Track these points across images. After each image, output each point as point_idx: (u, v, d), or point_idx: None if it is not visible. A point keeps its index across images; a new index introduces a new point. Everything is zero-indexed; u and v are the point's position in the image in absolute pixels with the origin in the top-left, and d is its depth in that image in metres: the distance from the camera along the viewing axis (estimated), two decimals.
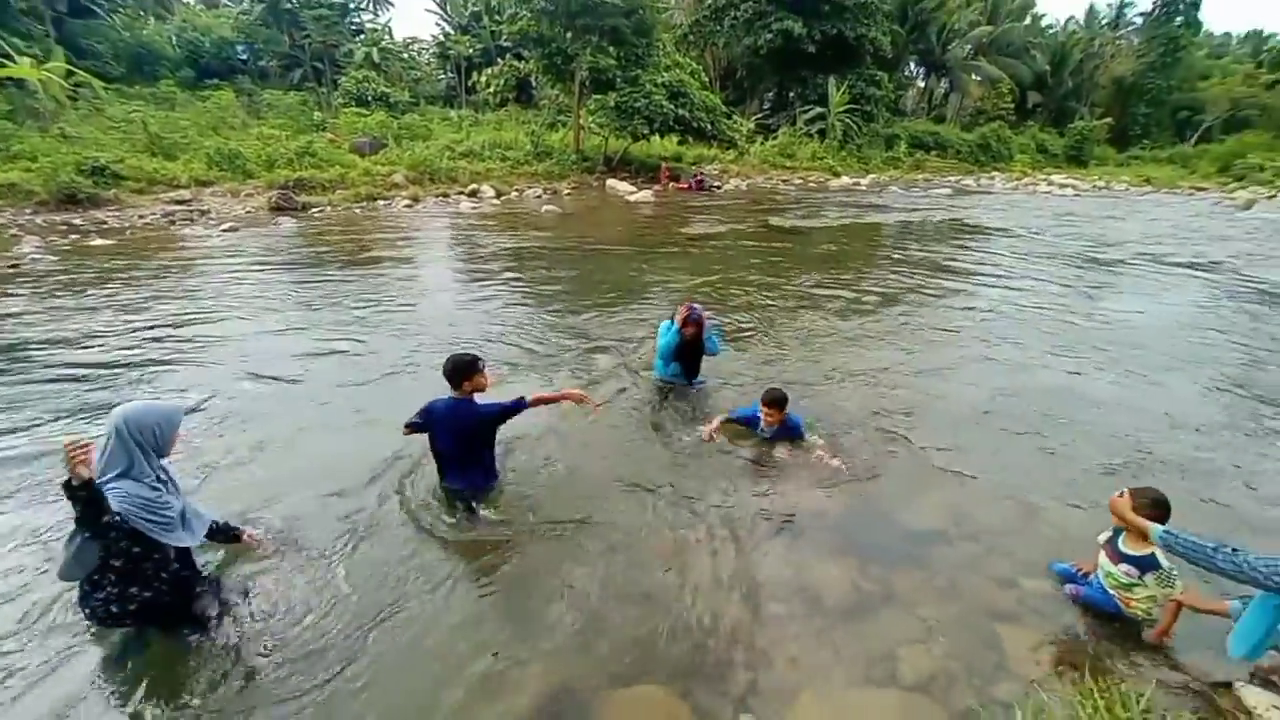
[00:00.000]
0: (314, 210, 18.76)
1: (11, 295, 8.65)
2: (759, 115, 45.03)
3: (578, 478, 4.20)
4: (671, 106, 26.86)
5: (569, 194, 24.39)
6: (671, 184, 27.63)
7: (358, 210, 19.21)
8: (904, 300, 9.33)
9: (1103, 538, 3.38)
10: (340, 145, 25.97)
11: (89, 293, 8.93)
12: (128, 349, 6.73)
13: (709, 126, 28.48)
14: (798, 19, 38.34)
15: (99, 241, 13.42)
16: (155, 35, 40.76)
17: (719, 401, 5.39)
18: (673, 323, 5.37)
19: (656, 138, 30.39)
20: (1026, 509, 4.16)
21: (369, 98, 36.49)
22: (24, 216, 15.90)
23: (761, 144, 39.20)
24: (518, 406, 3.85)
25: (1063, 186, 33.35)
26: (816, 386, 5.90)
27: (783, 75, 45.22)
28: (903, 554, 3.71)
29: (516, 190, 23.98)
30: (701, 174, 28.48)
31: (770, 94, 50.79)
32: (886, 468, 4.48)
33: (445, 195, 22.18)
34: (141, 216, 16.78)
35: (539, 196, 23.29)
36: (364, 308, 8.26)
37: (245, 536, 3.62)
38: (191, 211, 17.69)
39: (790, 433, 4.58)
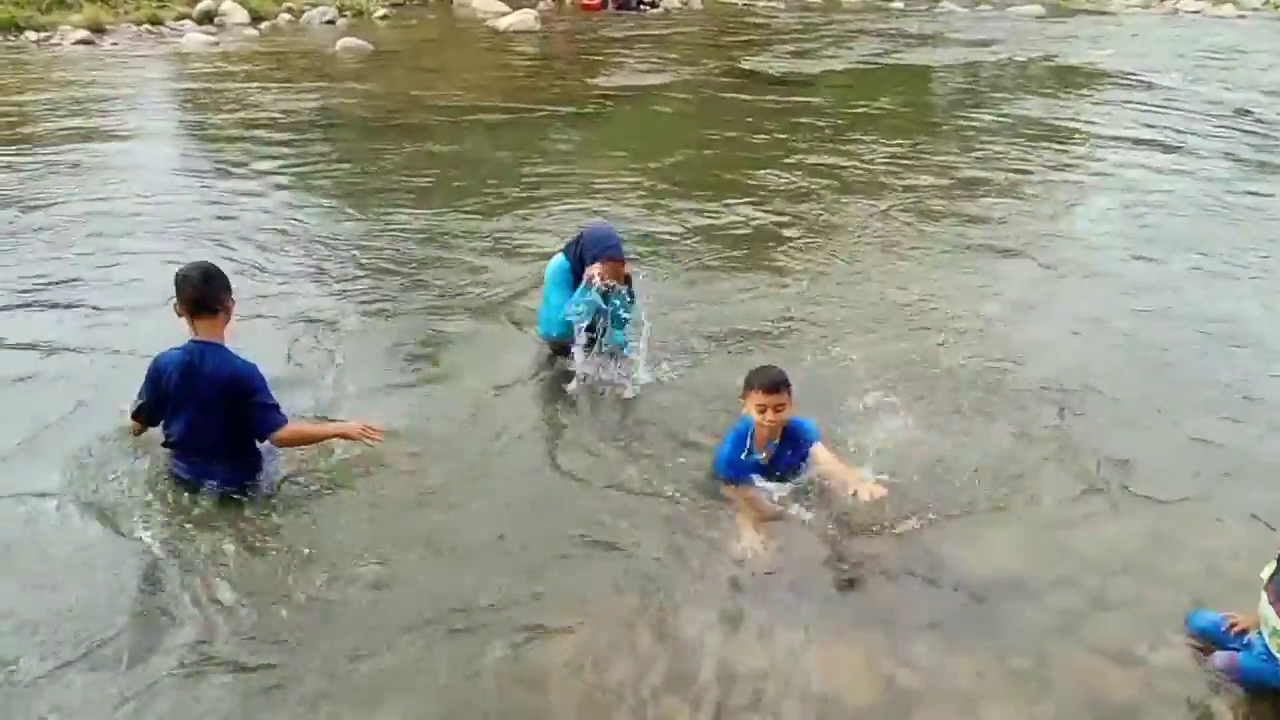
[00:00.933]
0: None
1: None
2: None
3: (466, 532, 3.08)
4: None
5: (385, 16, 18.27)
6: (572, 0, 20.95)
7: None
8: (974, 193, 7.24)
9: (1266, 572, 2.54)
10: None
11: None
12: None
13: None
14: None
15: None
16: None
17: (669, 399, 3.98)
18: (565, 258, 4.06)
19: None
20: (1157, 523, 3.26)
21: None
22: None
23: None
24: (274, 423, 3.03)
25: (1220, 3, 25.25)
26: (826, 341, 4.55)
27: None
28: (960, 619, 2.84)
29: (289, 9, 17.38)
30: None
31: None
32: (939, 477, 3.38)
33: (155, 22, 15.53)
34: None
35: (330, 22, 17.12)
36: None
37: None
38: None
39: (797, 448, 3.27)
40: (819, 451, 3.21)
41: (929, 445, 3.59)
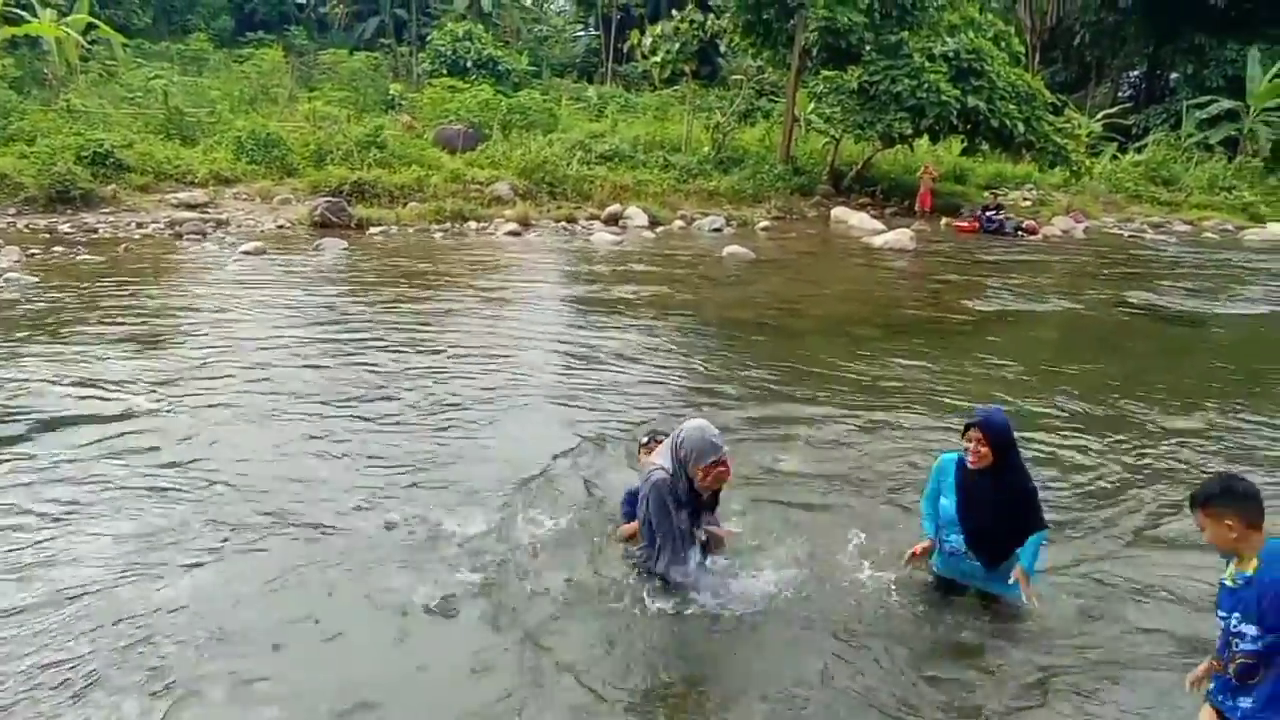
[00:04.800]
0: (373, 230, 18.16)
1: None
2: (1110, 111, 37.98)
3: None
4: (956, 92, 22.64)
5: (767, 228, 21.97)
6: (945, 220, 24.30)
7: (437, 234, 18.39)
8: None
9: None
10: (421, 134, 25.14)
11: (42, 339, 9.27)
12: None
13: (1021, 128, 23.69)
14: None
15: (86, 257, 13.98)
16: None
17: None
18: (957, 454, 4.67)
19: (924, 141, 26.59)
20: None
21: (468, 64, 34.66)
22: (6, 218, 16.88)
23: (1114, 160, 32.90)
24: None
25: None
26: None
27: (1158, 42, 38.61)
28: None
29: (683, 217, 21.90)
30: (998, 206, 24.35)
31: (1133, 74, 44.38)
32: None
33: (570, 220, 20.56)
34: (141, 225, 17.14)
35: (718, 230, 21.08)
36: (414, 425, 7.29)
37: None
38: (206, 221, 17.71)
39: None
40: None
41: None
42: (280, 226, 17.92)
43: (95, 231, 16.59)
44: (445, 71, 32.60)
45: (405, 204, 19.74)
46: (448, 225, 19.12)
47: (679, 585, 4.58)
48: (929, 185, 25.26)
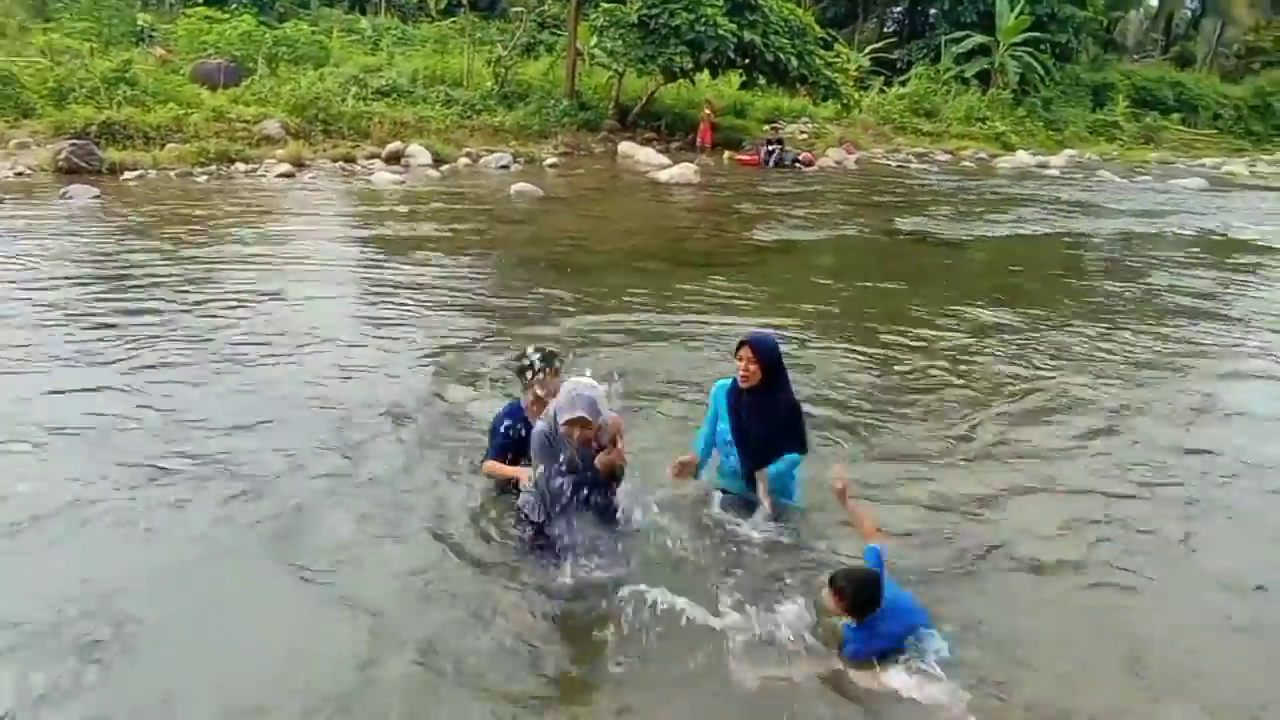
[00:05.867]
0: (128, 175, 16.93)
1: None
2: (876, 46, 40.04)
3: None
4: (733, 27, 23.42)
5: (555, 164, 22.21)
6: (728, 154, 25.20)
7: (201, 178, 17.40)
8: (1135, 364, 8.33)
9: None
10: (177, 70, 23.51)
11: None
12: None
13: (794, 62, 24.92)
14: None
15: None
16: None
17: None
18: (731, 379, 4.93)
19: (705, 76, 27.20)
20: None
21: None
22: None
23: (881, 93, 34.87)
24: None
25: None
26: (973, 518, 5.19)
27: None
28: None
29: (468, 155, 21.73)
30: (779, 139, 25.24)
31: (897, 10, 46.38)
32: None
33: (348, 159, 19.93)
34: None
35: (505, 167, 21.11)
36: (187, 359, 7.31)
37: None
38: None
39: None
40: None
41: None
42: (19, 174, 16.26)
43: None
44: (201, 0, 30.52)
45: (163, 146, 18.40)
46: (212, 168, 18.00)
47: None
48: (709, 121, 25.90)
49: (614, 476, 4.46)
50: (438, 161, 20.51)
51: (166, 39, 26.63)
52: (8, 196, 14.30)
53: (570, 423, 4.22)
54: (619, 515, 4.53)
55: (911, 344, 8.84)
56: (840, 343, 8.74)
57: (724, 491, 5.15)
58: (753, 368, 4.67)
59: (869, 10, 42.77)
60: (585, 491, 4.41)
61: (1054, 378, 7.93)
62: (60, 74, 19.98)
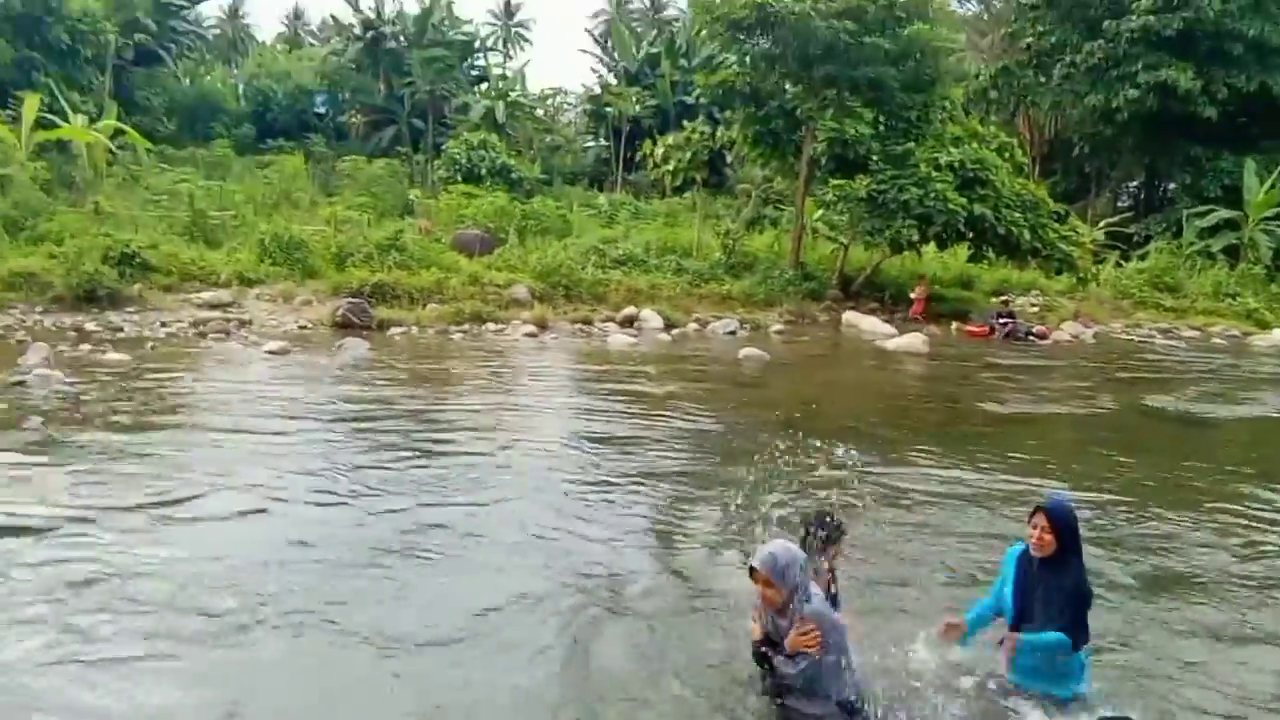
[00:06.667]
0: (393, 330, 18.77)
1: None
2: (1111, 220, 39.04)
3: None
4: (963, 201, 23.31)
5: (780, 331, 22.73)
6: (956, 325, 24.83)
7: (456, 335, 19.04)
8: None
9: None
10: (439, 238, 25.95)
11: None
12: None
13: (1027, 234, 24.42)
14: (1186, 66, 33.55)
15: (111, 356, 14.36)
16: (218, 83, 41.53)
17: None
18: (1024, 544, 4.73)
19: (931, 248, 27.24)
20: None
21: (483, 171, 36.12)
22: (34, 315, 17.59)
23: (1118, 267, 33.48)
24: None
25: None
26: None
27: (1155, 154, 39.48)
28: None
29: (697, 320, 22.63)
30: (1011, 312, 24.81)
31: (1132, 184, 45.31)
32: None
33: (587, 322, 21.27)
34: (165, 324, 17.78)
35: (732, 333, 21.87)
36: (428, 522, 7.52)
37: None
38: (229, 320, 18.41)
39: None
40: None
41: None
42: (302, 327, 18.42)
43: (121, 330, 17.00)
44: (460, 179, 33.85)
45: (425, 305, 20.33)
46: (466, 326, 19.62)
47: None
48: (922, 296, 25.69)
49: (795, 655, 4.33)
50: (668, 326, 21.48)
51: (430, 212, 29.37)
52: (293, 346, 16.11)
53: (752, 571, 4.24)
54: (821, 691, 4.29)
55: (1215, 523, 8.32)
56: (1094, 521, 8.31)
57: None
58: (1047, 537, 4.46)
59: (1102, 185, 41.87)
60: (768, 666, 4.34)
61: None
62: (341, 240, 22.70)
